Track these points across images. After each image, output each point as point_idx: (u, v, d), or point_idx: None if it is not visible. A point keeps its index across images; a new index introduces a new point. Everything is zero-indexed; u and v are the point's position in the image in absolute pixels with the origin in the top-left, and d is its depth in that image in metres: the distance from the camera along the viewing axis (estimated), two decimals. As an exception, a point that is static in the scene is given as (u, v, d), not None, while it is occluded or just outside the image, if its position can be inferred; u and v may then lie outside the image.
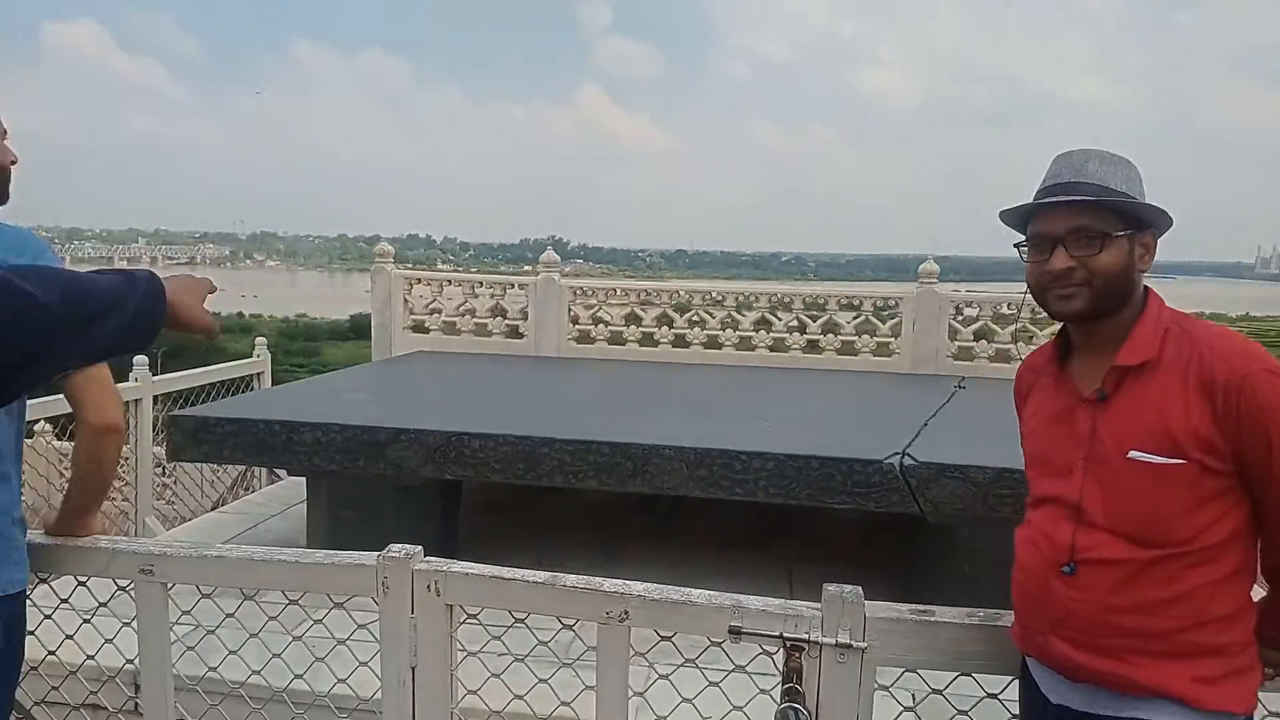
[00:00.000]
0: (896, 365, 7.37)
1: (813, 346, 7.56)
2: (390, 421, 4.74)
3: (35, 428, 6.63)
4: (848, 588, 2.24)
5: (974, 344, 7.34)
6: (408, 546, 2.46)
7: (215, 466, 6.93)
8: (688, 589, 2.35)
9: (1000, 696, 2.17)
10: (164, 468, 7.52)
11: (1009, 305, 7.35)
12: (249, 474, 7.67)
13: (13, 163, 2.19)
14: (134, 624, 2.58)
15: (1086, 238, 1.63)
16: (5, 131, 2.15)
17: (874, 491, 4.22)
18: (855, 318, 7.53)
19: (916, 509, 4.18)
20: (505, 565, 2.36)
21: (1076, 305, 1.66)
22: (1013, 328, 7.32)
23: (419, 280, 8.24)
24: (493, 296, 8.10)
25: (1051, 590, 1.67)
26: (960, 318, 7.38)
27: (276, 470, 7.01)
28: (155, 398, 6.68)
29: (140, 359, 6.75)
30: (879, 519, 4.89)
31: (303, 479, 5.58)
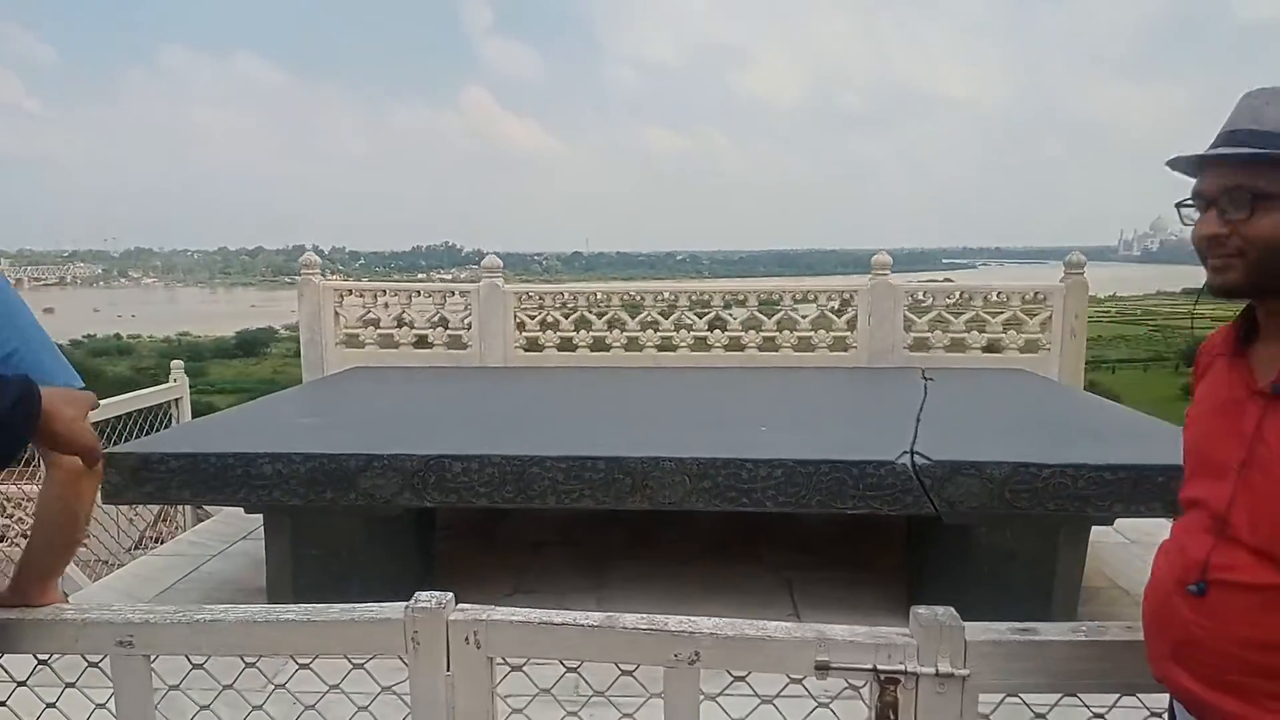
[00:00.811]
0: (854, 359, 7.29)
1: (768, 344, 7.41)
2: (358, 446, 4.32)
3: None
4: (940, 610, 2.02)
5: (929, 334, 7.31)
6: (438, 594, 2.12)
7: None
8: (764, 622, 2.09)
9: (1106, 718, 2.01)
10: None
11: (961, 294, 7.37)
12: (169, 509, 7.04)
13: None
14: (110, 705, 2.16)
15: (1240, 199, 1.38)
16: None
17: (886, 493, 4.05)
18: (812, 313, 7.42)
19: (932, 509, 4.03)
20: (484, 593, 2.07)
21: (1230, 278, 1.42)
22: (965, 316, 7.34)
23: (349, 292, 7.72)
24: (434, 306, 7.66)
25: (1174, 611, 1.45)
26: (915, 307, 7.35)
27: (205, 506, 6.42)
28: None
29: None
30: (863, 518, 4.74)
31: (240, 511, 5.10)
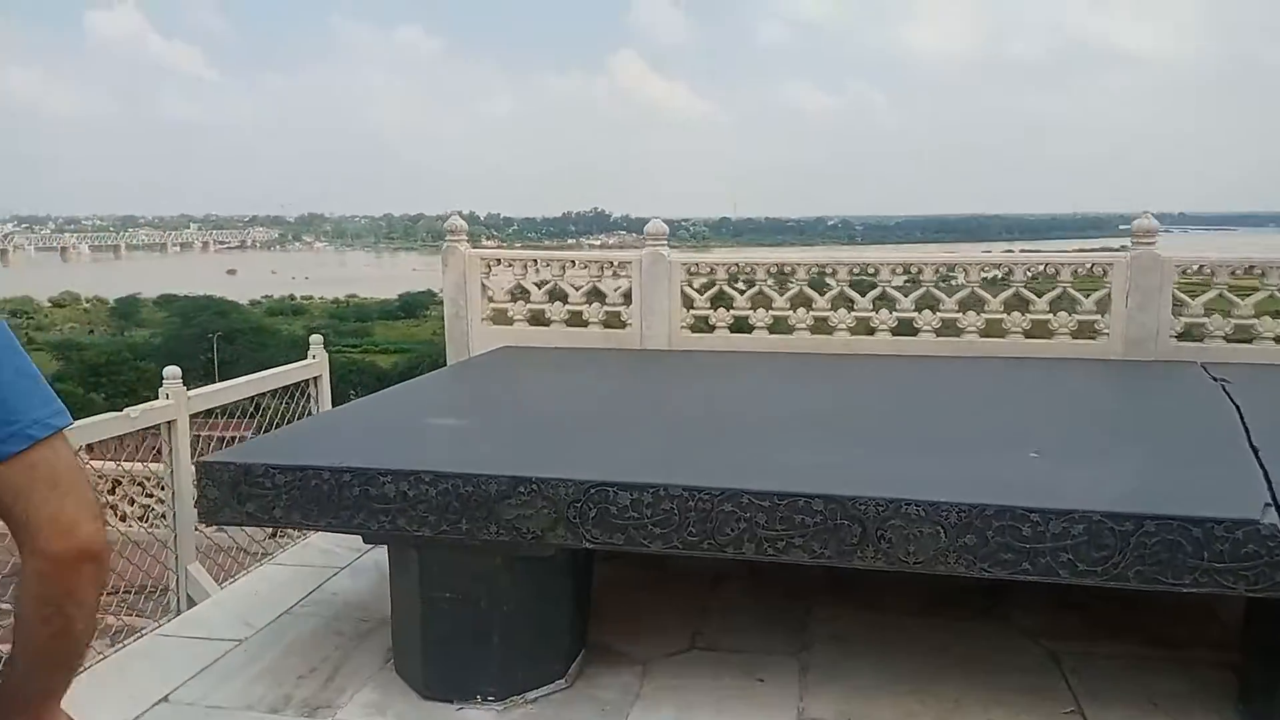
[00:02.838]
0: (1104, 349, 5.83)
1: (992, 328, 6.05)
2: (501, 465, 3.39)
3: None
4: None
5: (1205, 319, 5.77)
6: None
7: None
8: None
9: None
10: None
11: (1250, 268, 5.77)
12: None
13: None
14: None
15: None
16: None
17: (1247, 567, 2.76)
18: (1050, 290, 5.99)
19: (1319, 595, 2.72)
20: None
21: None
22: (1258, 296, 5.74)
23: (498, 261, 6.87)
24: (590, 278, 6.71)
25: None
26: (1185, 285, 5.81)
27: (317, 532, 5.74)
28: (192, 418, 5.43)
29: (172, 369, 5.52)
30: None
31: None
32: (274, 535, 6.56)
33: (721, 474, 3.26)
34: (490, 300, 6.82)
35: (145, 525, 7.22)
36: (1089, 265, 5.96)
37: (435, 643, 3.45)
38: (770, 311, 6.42)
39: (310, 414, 6.64)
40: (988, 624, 3.93)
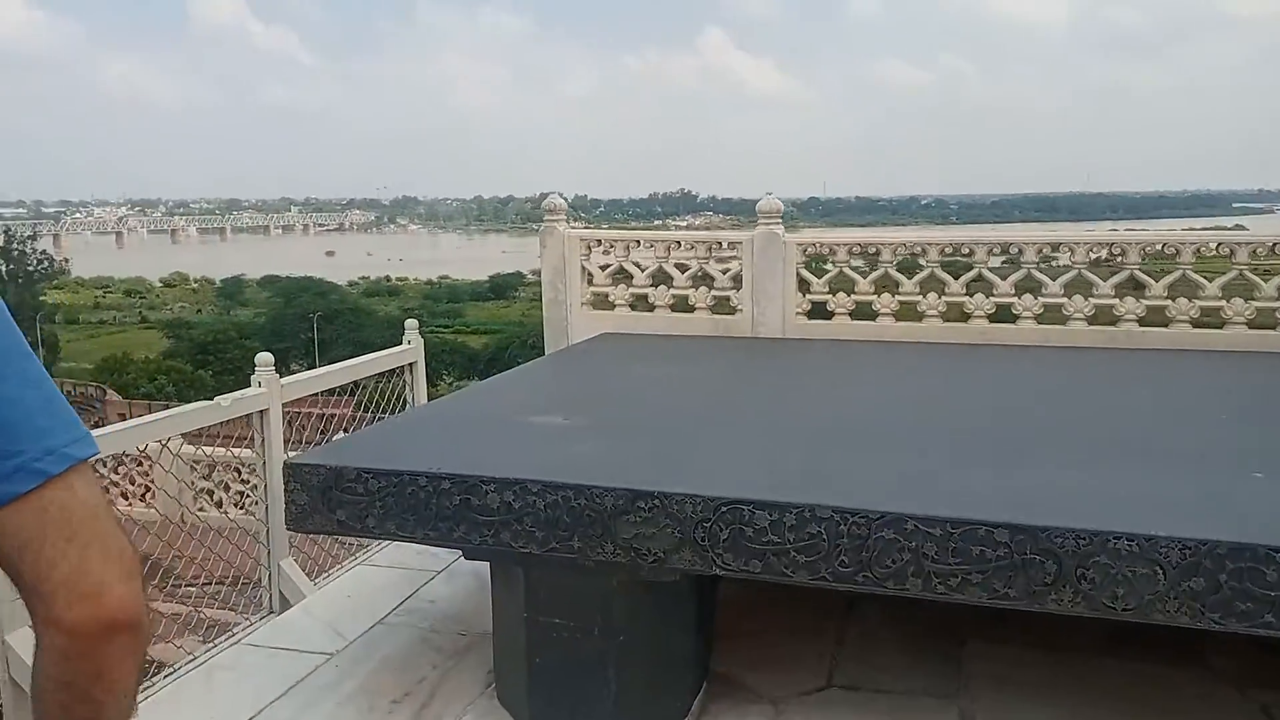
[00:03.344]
0: (1287, 342, 5.09)
1: (1155, 315, 5.36)
2: (615, 474, 2.98)
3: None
4: None
5: None
6: None
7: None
8: None
9: None
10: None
11: None
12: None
13: None
14: None
15: None
16: None
17: None
18: (1225, 274, 5.26)
19: None
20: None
21: None
22: None
23: (598, 242, 6.46)
24: (697, 260, 6.24)
25: None
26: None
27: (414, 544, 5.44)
28: (285, 409, 5.20)
29: (264, 356, 5.29)
30: None
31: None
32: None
33: (877, 493, 2.77)
34: (590, 283, 6.42)
35: (242, 512, 7.11)
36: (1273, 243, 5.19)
37: (542, 672, 3.07)
38: (897, 296, 5.85)
39: (406, 400, 6.40)
40: (1183, 669, 3.34)
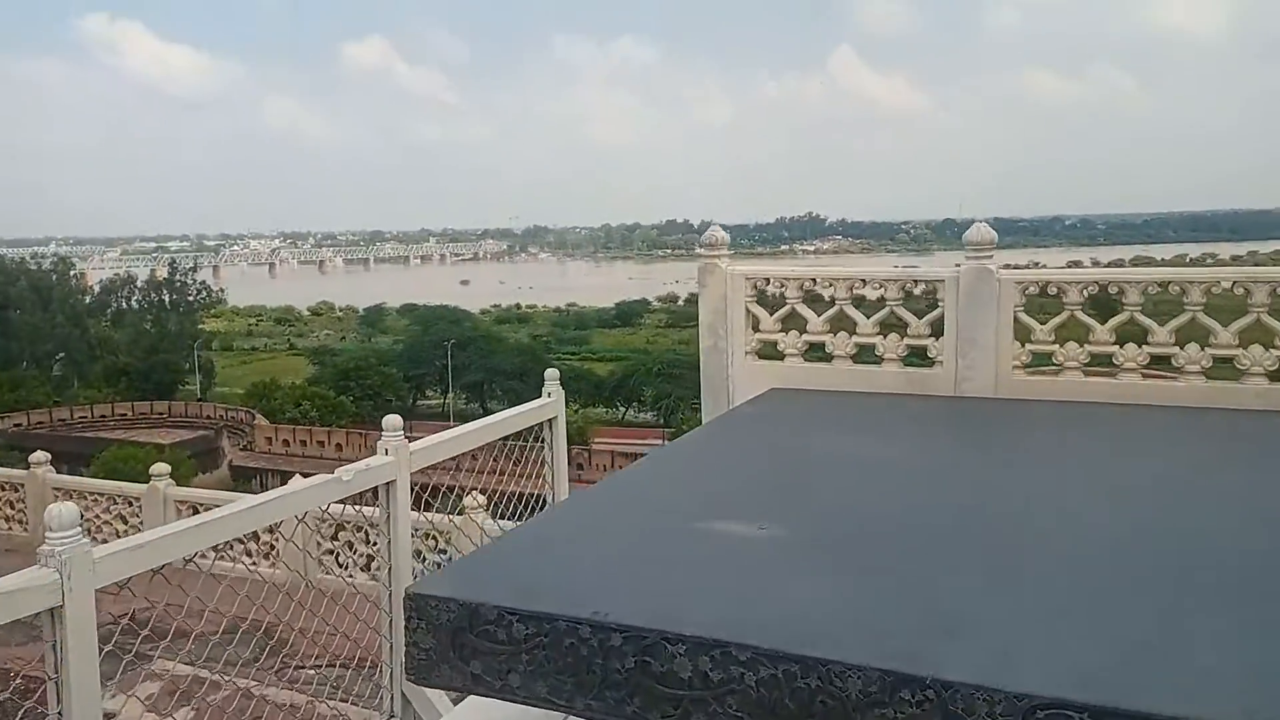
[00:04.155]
0: None
1: None
2: (858, 640, 2.06)
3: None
4: None
5: None
6: None
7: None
8: None
9: None
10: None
11: None
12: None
13: None
14: None
15: None
16: None
17: None
18: None
19: None
20: None
21: None
22: None
23: (766, 281, 5.57)
24: (882, 300, 5.27)
25: None
26: None
27: None
28: (413, 481, 4.52)
29: (392, 419, 4.64)
30: None
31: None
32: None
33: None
34: (756, 329, 5.53)
35: (367, 577, 6.55)
36: None
37: None
38: (1146, 347, 4.70)
39: (544, 460, 5.68)
40: None
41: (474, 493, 7.15)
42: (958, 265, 5.04)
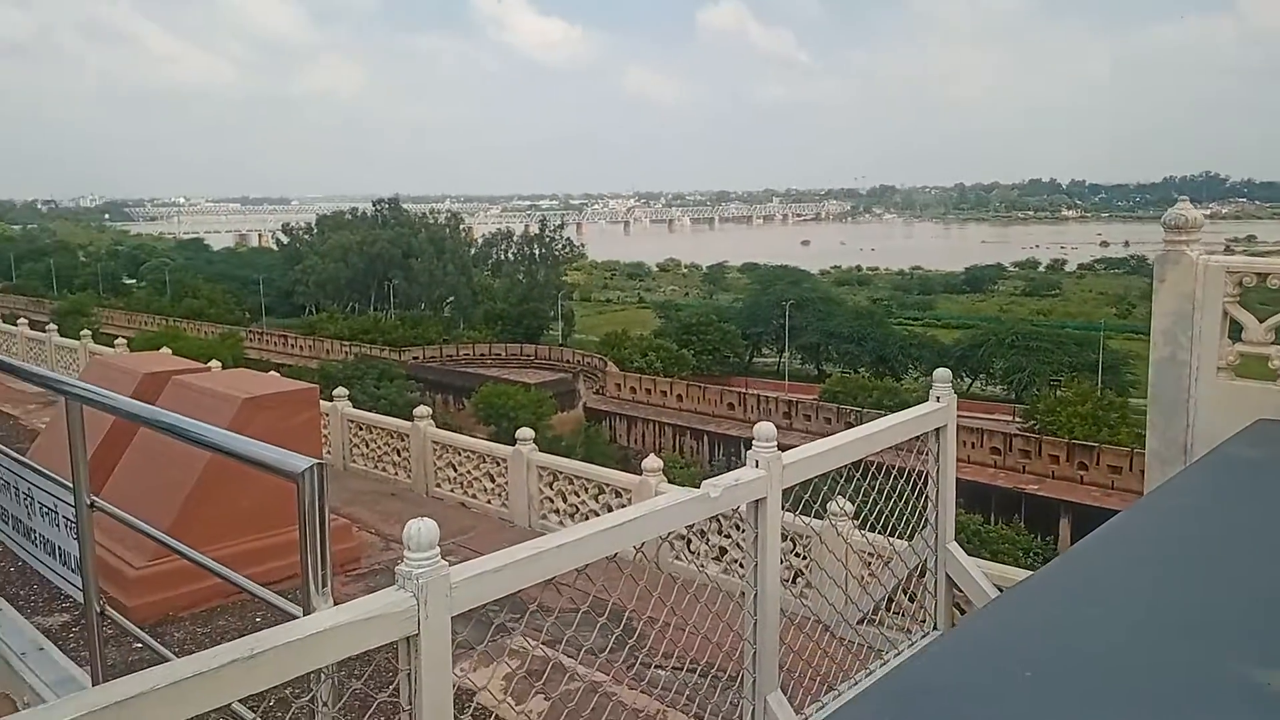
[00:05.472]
0: None
1: None
2: None
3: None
4: None
5: None
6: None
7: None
8: None
9: None
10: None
11: None
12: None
13: None
14: None
15: None
16: None
17: None
18: None
19: None
20: None
21: None
22: None
23: (1261, 276, 4.17)
24: None
25: None
26: None
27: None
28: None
29: (764, 428, 4.01)
30: None
31: None
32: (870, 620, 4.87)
33: None
34: (1239, 339, 4.18)
35: (722, 572, 6.11)
36: None
37: None
38: None
39: (930, 479, 4.83)
40: None
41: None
42: None
